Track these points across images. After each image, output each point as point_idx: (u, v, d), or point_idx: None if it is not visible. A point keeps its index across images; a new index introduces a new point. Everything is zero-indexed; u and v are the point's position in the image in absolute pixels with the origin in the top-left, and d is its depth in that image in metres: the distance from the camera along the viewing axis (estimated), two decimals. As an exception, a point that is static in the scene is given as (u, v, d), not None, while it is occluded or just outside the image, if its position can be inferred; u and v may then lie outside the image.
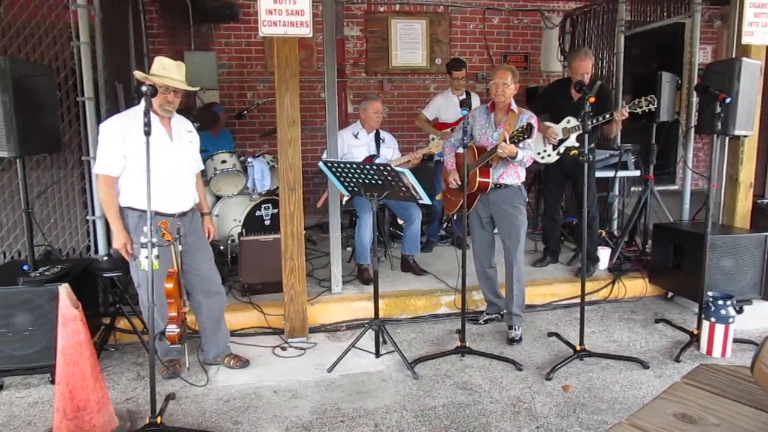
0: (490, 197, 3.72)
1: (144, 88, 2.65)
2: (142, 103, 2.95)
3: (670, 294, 4.55)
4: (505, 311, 3.99)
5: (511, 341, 3.74)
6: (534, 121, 3.60)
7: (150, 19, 6.20)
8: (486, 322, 4.06)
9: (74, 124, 3.92)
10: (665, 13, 5.38)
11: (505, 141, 3.42)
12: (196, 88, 3.09)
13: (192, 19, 6.35)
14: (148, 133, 2.56)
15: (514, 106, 3.67)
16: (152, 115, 2.84)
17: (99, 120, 3.79)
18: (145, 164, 2.53)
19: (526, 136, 3.39)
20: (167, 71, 2.95)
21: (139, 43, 5.17)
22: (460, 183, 3.76)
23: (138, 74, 2.98)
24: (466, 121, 3.36)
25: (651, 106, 4.05)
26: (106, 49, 3.94)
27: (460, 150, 3.80)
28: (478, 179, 3.66)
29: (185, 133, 3.19)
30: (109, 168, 2.95)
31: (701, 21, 4.91)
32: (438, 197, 4.88)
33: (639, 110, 4.10)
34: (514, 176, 3.68)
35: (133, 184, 2.95)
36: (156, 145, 2.87)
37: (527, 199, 3.82)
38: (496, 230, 3.85)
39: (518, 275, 3.74)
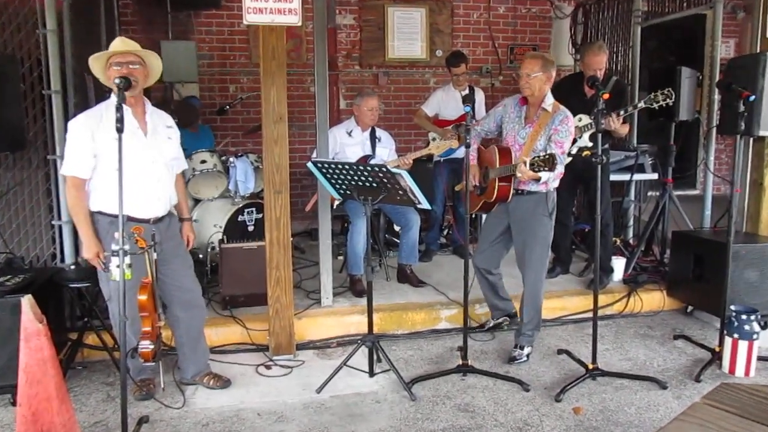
0: (509, 204, 3.66)
1: (117, 80, 2.65)
2: (113, 97, 2.96)
3: (689, 308, 4.58)
4: (513, 311, 4.02)
5: (512, 360, 3.74)
6: (569, 123, 3.51)
7: (123, 5, 6.19)
8: (493, 327, 4.08)
9: (39, 120, 3.91)
10: (685, 4, 5.44)
11: (524, 164, 3.27)
12: (149, 52, 3.01)
13: (170, 6, 6.35)
14: (120, 130, 2.55)
15: (547, 103, 3.55)
16: (125, 108, 2.83)
17: (66, 115, 3.78)
18: (117, 164, 2.54)
19: (546, 168, 3.21)
20: (111, 48, 2.94)
21: (111, 32, 5.15)
22: (475, 185, 3.75)
23: (93, 63, 2.96)
24: (470, 118, 3.38)
25: (669, 101, 4.08)
26: (75, 37, 3.93)
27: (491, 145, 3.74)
28: (498, 184, 3.54)
29: (163, 129, 3.18)
30: (77, 169, 2.94)
31: (723, 12, 4.95)
32: (458, 188, 4.84)
33: (656, 105, 4.13)
34: (537, 183, 3.54)
35: (104, 186, 2.94)
36: (128, 142, 2.86)
37: (553, 210, 3.68)
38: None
39: (533, 294, 3.73)
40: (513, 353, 3.78)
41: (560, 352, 3.87)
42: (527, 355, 3.78)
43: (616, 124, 4.29)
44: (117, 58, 2.92)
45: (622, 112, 4.32)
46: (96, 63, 2.96)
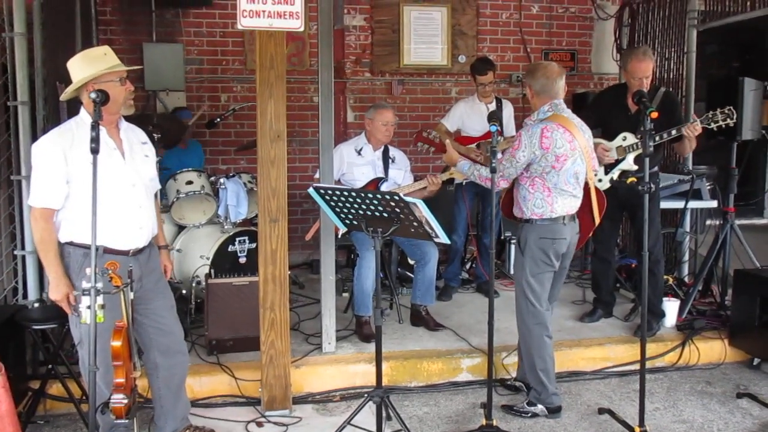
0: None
1: (93, 95, 2.70)
2: (82, 112, 3.02)
3: (756, 360, 4.53)
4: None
5: (509, 408, 3.84)
6: (519, 136, 3.71)
7: (101, 3, 6.34)
8: (517, 384, 4.09)
9: (3, 135, 3.99)
10: (749, 3, 5.45)
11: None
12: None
13: (154, 4, 6.48)
14: (95, 151, 2.61)
15: (531, 119, 3.81)
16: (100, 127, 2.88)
17: (35, 130, 3.85)
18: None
19: None
20: (109, 58, 3.00)
21: (88, 34, 5.29)
22: None
23: (68, 92, 3.02)
24: (495, 139, 3.41)
25: (729, 121, 4.09)
26: (46, 40, 4.02)
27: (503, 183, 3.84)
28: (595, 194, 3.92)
29: (138, 146, 3.22)
30: (48, 199, 2.95)
31: (795, 14, 4.97)
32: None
33: (714, 125, 4.14)
34: (517, 209, 3.80)
35: (77, 214, 2.95)
36: (106, 164, 2.91)
37: (526, 245, 3.76)
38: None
39: (520, 331, 3.83)
40: (517, 404, 3.85)
41: (601, 411, 3.84)
42: (533, 414, 3.78)
43: (698, 130, 4.22)
44: (118, 73, 3.00)
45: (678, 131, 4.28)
46: (87, 67, 2.96)
